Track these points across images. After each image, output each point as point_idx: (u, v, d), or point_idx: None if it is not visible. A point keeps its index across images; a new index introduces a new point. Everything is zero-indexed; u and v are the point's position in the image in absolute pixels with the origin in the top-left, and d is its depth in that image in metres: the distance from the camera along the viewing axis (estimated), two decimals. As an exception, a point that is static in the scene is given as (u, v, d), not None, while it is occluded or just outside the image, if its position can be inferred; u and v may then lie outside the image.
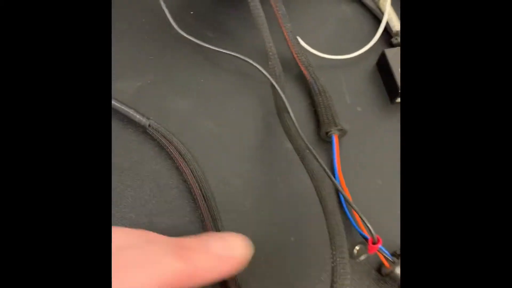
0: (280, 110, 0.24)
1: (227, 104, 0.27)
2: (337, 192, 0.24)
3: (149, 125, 0.25)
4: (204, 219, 0.23)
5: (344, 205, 0.24)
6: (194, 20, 0.30)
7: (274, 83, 0.24)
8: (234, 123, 0.26)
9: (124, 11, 0.29)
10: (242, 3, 0.32)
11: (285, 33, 0.27)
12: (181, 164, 0.24)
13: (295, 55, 0.27)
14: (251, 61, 0.25)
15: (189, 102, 0.27)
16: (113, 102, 0.25)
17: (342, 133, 0.25)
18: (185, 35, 0.26)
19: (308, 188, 0.22)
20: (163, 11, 0.26)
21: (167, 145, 0.24)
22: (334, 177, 0.24)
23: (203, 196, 0.23)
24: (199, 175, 0.24)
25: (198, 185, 0.23)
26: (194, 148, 0.25)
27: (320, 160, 0.22)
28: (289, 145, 0.25)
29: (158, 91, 0.27)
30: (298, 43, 0.27)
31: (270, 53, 0.26)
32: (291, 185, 0.25)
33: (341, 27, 0.31)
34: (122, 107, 0.25)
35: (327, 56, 0.28)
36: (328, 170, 0.22)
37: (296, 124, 0.23)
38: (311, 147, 0.22)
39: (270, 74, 0.25)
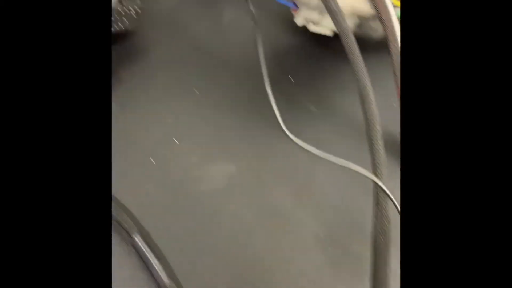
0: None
1: (335, 205, 0.21)
2: None
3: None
4: None
5: None
6: (296, 87, 0.25)
7: (391, 198, 0.18)
8: (340, 233, 0.21)
9: (222, 61, 0.24)
10: (350, 73, 0.27)
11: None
12: None
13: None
14: (371, 176, 0.18)
15: (289, 194, 0.21)
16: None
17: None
18: (292, 137, 0.19)
19: None
20: (261, 71, 0.21)
21: None
22: None
23: None
24: None
25: None
26: (288, 251, 0.20)
27: None
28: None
29: (255, 179, 0.21)
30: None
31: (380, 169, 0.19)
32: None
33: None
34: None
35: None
36: None
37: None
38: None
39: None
